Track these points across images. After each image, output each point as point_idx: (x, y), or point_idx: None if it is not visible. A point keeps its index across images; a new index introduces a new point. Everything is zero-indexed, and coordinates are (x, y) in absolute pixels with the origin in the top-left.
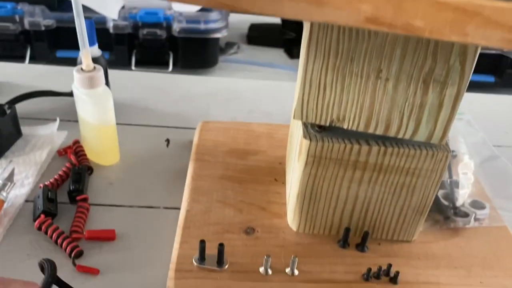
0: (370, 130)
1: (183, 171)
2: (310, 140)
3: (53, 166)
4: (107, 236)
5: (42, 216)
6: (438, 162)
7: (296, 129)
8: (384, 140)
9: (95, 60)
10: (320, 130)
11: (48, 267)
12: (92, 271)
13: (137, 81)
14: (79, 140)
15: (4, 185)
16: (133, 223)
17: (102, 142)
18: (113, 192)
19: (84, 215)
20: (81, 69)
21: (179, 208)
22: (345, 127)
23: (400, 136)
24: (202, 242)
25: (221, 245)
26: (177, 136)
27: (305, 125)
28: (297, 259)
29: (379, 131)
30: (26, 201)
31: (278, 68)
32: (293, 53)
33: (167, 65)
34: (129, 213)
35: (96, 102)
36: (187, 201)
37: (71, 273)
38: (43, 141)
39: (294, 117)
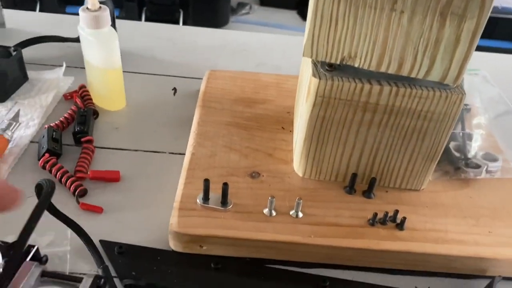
0: (383, 69)
1: (189, 119)
2: (320, 78)
3: (59, 110)
4: (112, 177)
5: (47, 155)
6: (451, 105)
7: (306, 71)
8: (396, 80)
9: (101, 3)
10: (331, 69)
11: (47, 185)
12: (95, 209)
13: (145, 32)
14: (85, 85)
15: (9, 125)
16: (138, 166)
17: (107, 85)
18: (118, 137)
19: (88, 156)
20: (87, 8)
21: (183, 154)
22: (356, 65)
23: (413, 75)
24: (207, 181)
25: (225, 185)
26: (184, 85)
27: (314, 64)
28: (301, 201)
29: (392, 70)
30: (31, 142)
31: (290, 30)
32: (305, 14)
33: (177, 23)
34: (134, 157)
35: (102, 43)
36: (193, 145)
37: (75, 211)
38: (49, 85)
39: (304, 54)
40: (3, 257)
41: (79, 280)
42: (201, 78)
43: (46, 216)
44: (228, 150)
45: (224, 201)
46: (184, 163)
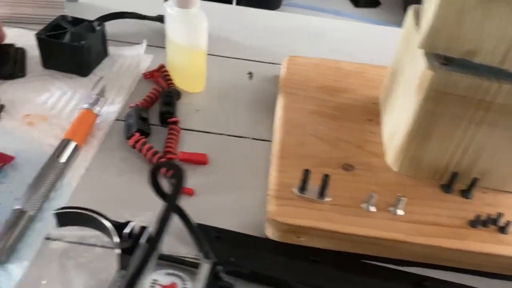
0: (506, 66)
1: (268, 104)
2: (435, 72)
3: (139, 88)
4: (200, 160)
5: (137, 134)
6: None
7: (410, 62)
8: None
9: None
10: (447, 63)
11: (179, 173)
12: (187, 191)
13: (216, 14)
14: (164, 65)
15: (97, 100)
16: (223, 150)
17: (191, 67)
18: (200, 119)
19: (175, 137)
20: None
21: (267, 140)
22: (477, 60)
23: None
24: (307, 172)
25: (326, 176)
26: (259, 70)
27: (428, 56)
28: (405, 199)
29: None
30: (116, 119)
31: (342, 16)
32: (358, 1)
33: (230, 3)
34: (218, 141)
35: (190, 23)
36: (280, 132)
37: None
38: (130, 62)
39: (421, 47)
40: (120, 237)
41: (195, 265)
42: (276, 63)
43: (144, 195)
44: (317, 139)
45: (322, 193)
46: (274, 150)
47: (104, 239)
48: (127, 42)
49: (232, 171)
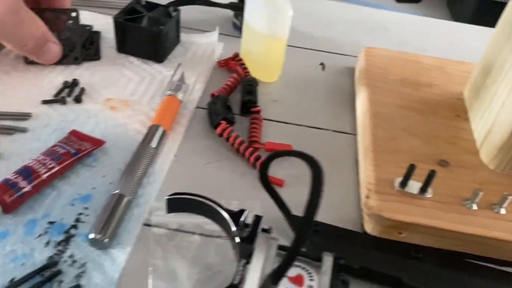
0: None
1: (345, 96)
2: None
3: (214, 76)
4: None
5: (224, 122)
6: None
7: (509, 59)
8: None
9: None
10: None
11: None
12: (277, 182)
13: None
14: (238, 54)
15: (179, 86)
16: (305, 141)
17: (270, 56)
18: (278, 109)
19: (259, 127)
20: None
21: (348, 133)
22: None
23: None
24: (412, 166)
25: (433, 172)
26: (329, 60)
27: None
28: (511, 197)
29: None
30: (197, 107)
31: (384, 9)
32: None
33: None
34: (298, 132)
35: (274, 11)
36: (369, 126)
37: (256, 182)
38: (204, 49)
39: None
40: (236, 225)
41: (314, 258)
42: (345, 54)
43: (234, 183)
44: (408, 134)
45: (424, 189)
46: (362, 143)
47: (206, 227)
48: (195, 29)
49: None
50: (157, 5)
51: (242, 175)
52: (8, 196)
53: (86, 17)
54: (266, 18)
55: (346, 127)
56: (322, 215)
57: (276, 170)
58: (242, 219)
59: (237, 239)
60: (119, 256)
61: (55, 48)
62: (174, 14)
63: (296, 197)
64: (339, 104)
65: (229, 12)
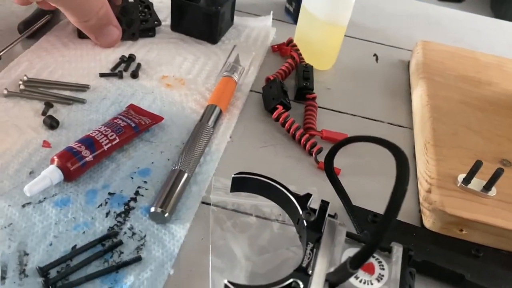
0: None
1: (399, 89)
2: None
3: (267, 60)
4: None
5: (280, 107)
6: None
7: None
8: None
9: None
10: None
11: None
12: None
13: None
14: (292, 39)
15: (234, 68)
16: (360, 132)
17: (328, 43)
18: (332, 97)
19: (314, 114)
20: None
21: (403, 126)
22: None
23: None
24: (479, 163)
25: (501, 170)
26: (384, 52)
27: None
28: None
29: None
30: (251, 90)
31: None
32: None
33: None
34: (353, 122)
35: None
36: (430, 119)
37: (311, 169)
38: (258, 33)
39: None
40: (303, 210)
41: (382, 248)
42: (399, 47)
43: (290, 168)
44: (469, 130)
45: (488, 187)
46: (426, 137)
47: (263, 209)
48: (246, 12)
49: (372, 155)
50: None
51: (298, 161)
52: (71, 164)
53: None
54: (328, 4)
55: (401, 120)
56: (376, 206)
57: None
58: (308, 203)
59: (305, 223)
60: (179, 231)
61: (115, 32)
62: None
63: (351, 187)
64: (393, 96)
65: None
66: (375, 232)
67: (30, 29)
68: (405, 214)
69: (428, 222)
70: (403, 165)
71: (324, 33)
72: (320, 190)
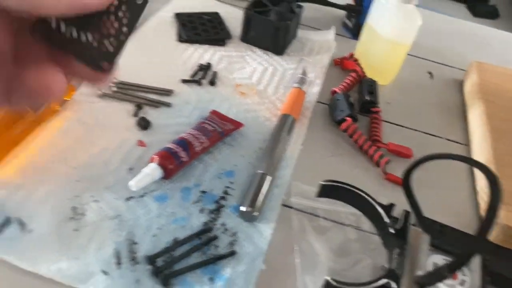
0: None
1: (454, 107)
2: None
3: (330, 73)
4: (406, 153)
5: (349, 119)
6: None
7: None
8: None
9: None
10: None
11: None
12: (397, 180)
13: None
14: (353, 54)
15: (303, 79)
16: (420, 146)
17: (389, 59)
18: (392, 111)
19: (379, 126)
20: None
21: (459, 143)
22: None
23: None
24: None
25: None
26: (438, 70)
27: None
28: None
29: None
30: (317, 101)
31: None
32: (476, 10)
33: None
34: (412, 135)
35: (406, 18)
36: (490, 139)
37: (378, 179)
38: (320, 46)
39: None
40: (389, 218)
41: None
42: (452, 66)
43: (358, 179)
44: None
45: None
46: (486, 155)
47: (342, 215)
48: (306, 26)
49: (433, 168)
50: (280, 0)
51: (365, 171)
52: (170, 163)
53: (208, 4)
54: (395, 23)
55: (457, 137)
56: (439, 218)
57: (395, 170)
58: (392, 212)
59: (392, 230)
60: (265, 230)
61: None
62: (297, 10)
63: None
64: (448, 113)
65: (339, 13)
66: (472, 243)
67: None
68: (466, 226)
69: (491, 235)
70: (495, 185)
71: (388, 50)
72: (390, 200)
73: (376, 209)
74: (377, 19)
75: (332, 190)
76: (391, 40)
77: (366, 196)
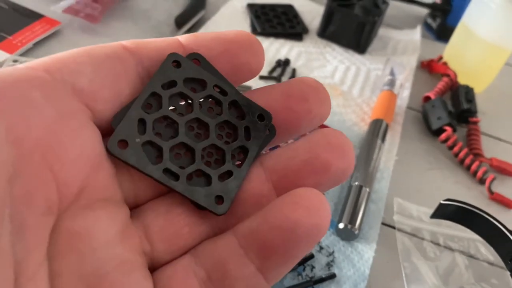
0: None
1: None
2: None
3: (417, 77)
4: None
5: (449, 129)
6: None
7: None
8: None
9: None
10: None
11: None
12: (507, 202)
13: None
14: (442, 56)
15: (392, 81)
16: None
17: (487, 65)
18: (490, 123)
19: (479, 139)
20: None
21: None
22: None
23: None
24: None
25: None
26: None
27: None
28: None
29: None
30: (407, 107)
31: None
32: None
33: None
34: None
35: (510, 20)
36: None
37: (482, 199)
38: (404, 46)
39: None
40: None
41: None
42: None
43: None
44: None
45: None
46: None
47: (451, 239)
48: (384, 24)
49: None
50: None
51: (467, 189)
52: None
53: None
54: (497, 24)
55: None
56: None
57: (500, 189)
58: None
59: None
60: (366, 251)
61: None
62: (382, 6)
63: None
64: None
65: (419, 11)
66: None
67: (188, 23)
68: None
69: None
70: None
71: (487, 54)
72: None
73: (506, 236)
74: (476, 20)
75: (450, 211)
76: (492, 43)
77: (493, 220)
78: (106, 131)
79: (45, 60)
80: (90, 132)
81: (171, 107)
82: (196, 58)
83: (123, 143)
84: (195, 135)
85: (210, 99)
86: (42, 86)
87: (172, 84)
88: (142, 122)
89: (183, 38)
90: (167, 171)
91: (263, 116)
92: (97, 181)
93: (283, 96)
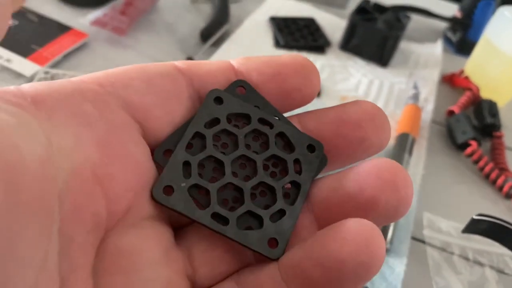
0: None
1: None
2: None
3: (440, 91)
4: None
5: (474, 144)
6: None
7: None
8: None
9: None
10: None
11: None
12: None
13: None
14: (463, 70)
15: (416, 95)
16: None
17: (509, 78)
18: (510, 136)
19: (503, 153)
20: None
21: None
22: None
23: None
24: None
25: None
26: None
27: None
28: None
29: None
30: (432, 121)
31: None
32: None
33: None
34: None
35: None
36: None
37: (509, 214)
38: (426, 60)
39: None
40: None
41: None
42: None
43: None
44: None
45: None
46: None
47: (481, 254)
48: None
49: None
50: (384, 9)
51: (493, 204)
52: None
53: (302, 8)
54: None
55: None
56: None
57: None
58: None
59: None
60: (397, 265)
61: None
62: (404, 20)
63: None
64: None
65: (438, 25)
66: None
67: (214, 37)
68: None
69: None
70: None
71: (509, 68)
72: None
73: None
74: (498, 34)
75: (483, 226)
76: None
77: None
78: (155, 149)
79: (98, 75)
80: (141, 147)
81: (215, 145)
82: (241, 85)
83: (169, 189)
84: (242, 174)
85: (255, 134)
86: (94, 99)
87: (215, 121)
88: (186, 164)
89: (234, 61)
90: (215, 215)
91: (314, 146)
92: (145, 199)
93: (335, 122)
